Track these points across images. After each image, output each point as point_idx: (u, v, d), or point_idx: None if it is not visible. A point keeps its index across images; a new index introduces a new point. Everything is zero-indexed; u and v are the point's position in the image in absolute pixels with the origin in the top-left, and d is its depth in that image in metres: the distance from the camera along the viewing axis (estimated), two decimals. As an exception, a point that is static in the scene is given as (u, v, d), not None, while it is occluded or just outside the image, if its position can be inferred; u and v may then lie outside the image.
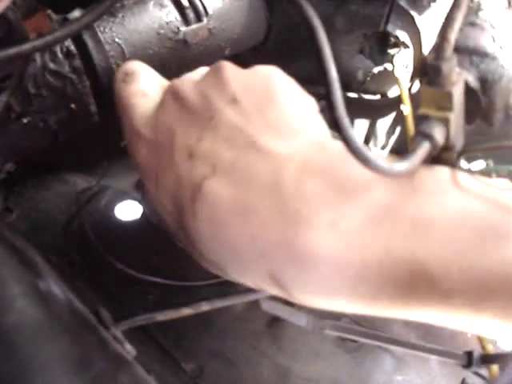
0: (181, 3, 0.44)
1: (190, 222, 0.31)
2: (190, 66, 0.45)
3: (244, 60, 0.51)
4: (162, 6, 0.43)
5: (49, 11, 0.40)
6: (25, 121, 0.38)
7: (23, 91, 0.38)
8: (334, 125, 0.26)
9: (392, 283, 0.27)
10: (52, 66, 0.38)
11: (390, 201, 0.28)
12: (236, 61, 0.49)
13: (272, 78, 0.34)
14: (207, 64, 0.47)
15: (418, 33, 0.48)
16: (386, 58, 0.48)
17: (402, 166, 0.27)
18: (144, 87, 0.37)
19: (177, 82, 0.36)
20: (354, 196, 0.28)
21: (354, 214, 0.28)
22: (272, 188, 0.30)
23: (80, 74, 0.40)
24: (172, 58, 0.42)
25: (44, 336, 0.26)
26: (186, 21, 0.44)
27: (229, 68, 0.35)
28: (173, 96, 0.35)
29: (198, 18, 0.44)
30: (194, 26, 0.44)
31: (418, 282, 0.27)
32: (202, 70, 0.38)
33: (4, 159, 0.40)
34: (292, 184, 0.29)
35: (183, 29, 0.43)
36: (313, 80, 0.50)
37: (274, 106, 0.33)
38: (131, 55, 0.41)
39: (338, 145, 0.30)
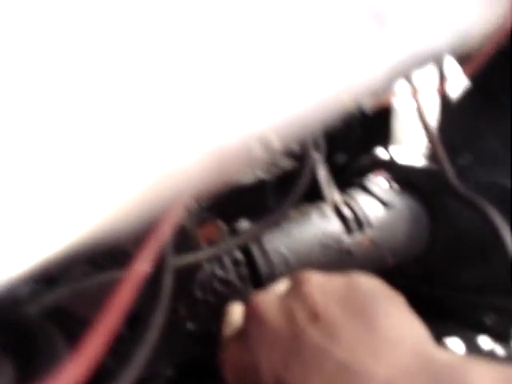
0: (344, 215, 0.45)
1: None
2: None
3: (408, 268, 0.50)
4: (325, 216, 0.45)
5: (218, 221, 0.42)
6: (189, 326, 0.39)
7: (190, 296, 0.39)
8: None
9: None
10: (220, 273, 0.40)
11: None
12: (400, 269, 0.48)
13: (353, 282, 0.33)
14: (371, 272, 0.46)
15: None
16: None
17: None
18: (230, 321, 0.37)
19: (258, 303, 0.35)
20: None
21: None
22: None
23: (245, 281, 0.41)
24: (335, 267, 0.43)
25: None
26: (349, 232, 0.44)
27: (309, 281, 0.34)
28: (254, 318, 0.34)
29: (361, 229, 0.45)
30: (356, 237, 0.44)
31: None
32: (278, 287, 0.37)
33: (166, 364, 0.40)
34: None
35: (346, 239, 0.44)
36: (480, 289, 0.47)
37: (360, 318, 0.31)
38: (295, 263, 0.42)
39: (446, 355, 0.27)
